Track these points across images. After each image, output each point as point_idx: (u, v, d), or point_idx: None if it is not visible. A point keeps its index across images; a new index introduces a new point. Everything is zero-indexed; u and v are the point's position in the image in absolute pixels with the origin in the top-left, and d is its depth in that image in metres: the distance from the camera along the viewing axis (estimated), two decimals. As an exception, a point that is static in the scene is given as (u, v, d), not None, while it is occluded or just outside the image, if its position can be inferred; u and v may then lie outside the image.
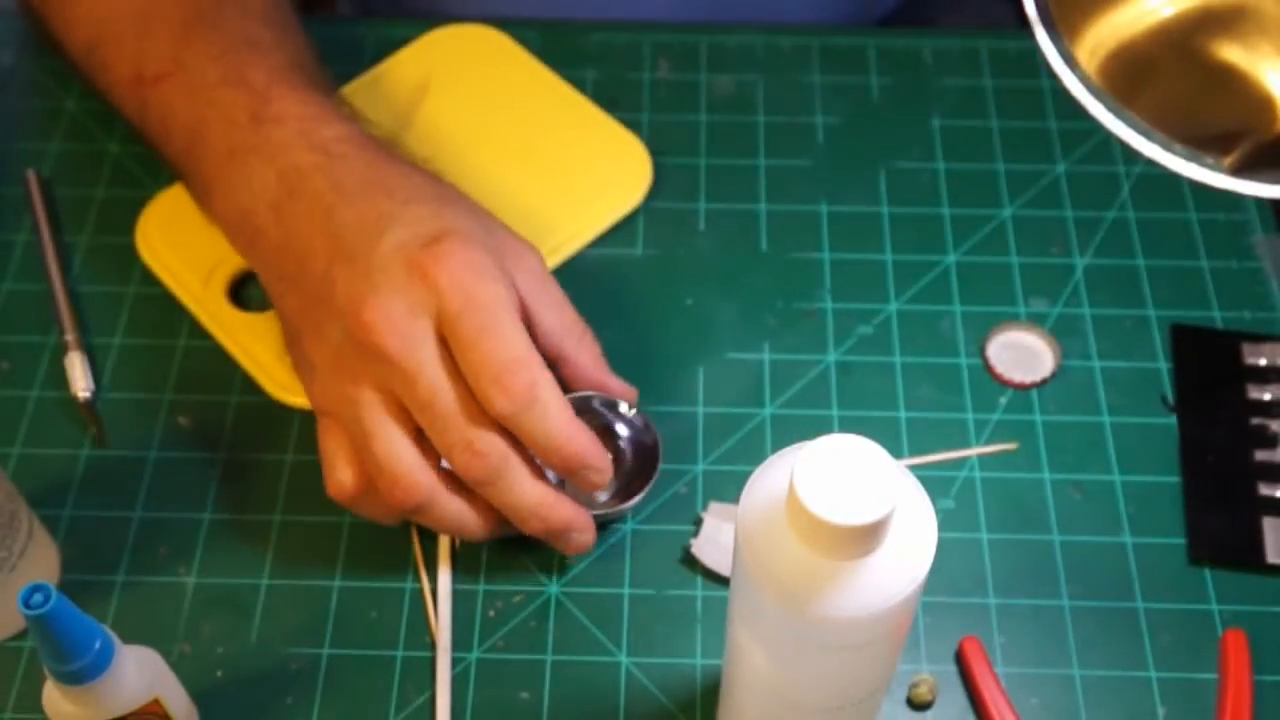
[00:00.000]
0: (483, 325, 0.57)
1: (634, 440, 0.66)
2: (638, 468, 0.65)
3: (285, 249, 0.62)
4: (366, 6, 0.94)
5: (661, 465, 0.65)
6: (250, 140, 0.64)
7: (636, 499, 0.63)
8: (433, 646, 0.62)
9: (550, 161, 0.76)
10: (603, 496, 0.64)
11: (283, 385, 0.68)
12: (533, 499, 0.59)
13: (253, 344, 0.69)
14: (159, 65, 0.68)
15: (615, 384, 0.65)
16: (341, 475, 0.60)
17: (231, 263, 0.71)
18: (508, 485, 0.58)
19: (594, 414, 0.65)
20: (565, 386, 0.62)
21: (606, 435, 0.65)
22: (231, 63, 0.66)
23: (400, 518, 0.62)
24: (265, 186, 0.63)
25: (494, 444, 0.58)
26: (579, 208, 0.75)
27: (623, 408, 0.65)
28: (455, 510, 0.60)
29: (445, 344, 0.58)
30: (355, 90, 0.79)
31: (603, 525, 0.64)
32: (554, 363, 0.62)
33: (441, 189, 0.63)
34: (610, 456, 0.61)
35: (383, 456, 0.58)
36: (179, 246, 0.72)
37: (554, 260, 0.73)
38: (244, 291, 0.72)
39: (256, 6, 0.71)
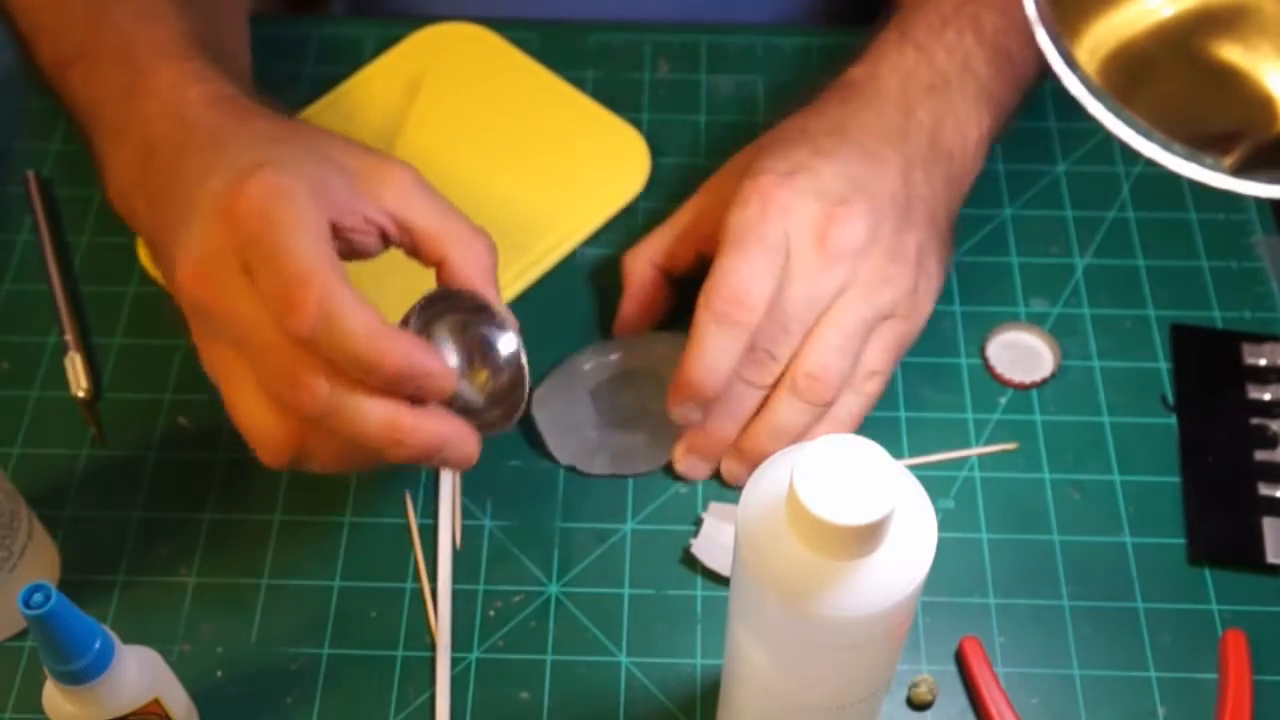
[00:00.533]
0: (272, 245, 0.53)
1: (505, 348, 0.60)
2: (512, 376, 0.59)
3: (152, 228, 0.60)
4: (360, 6, 0.94)
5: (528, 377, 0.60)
6: (123, 118, 0.62)
7: (519, 413, 0.58)
8: (432, 646, 0.62)
9: (546, 155, 0.77)
10: (478, 403, 0.58)
11: None
12: (380, 420, 0.54)
13: None
14: (68, 50, 0.67)
15: (495, 297, 0.59)
16: (260, 450, 0.56)
17: None
18: (348, 415, 0.53)
19: (459, 314, 0.59)
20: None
21: (480, 345, 0.59)
22: (124, 39, 0.65)
23: (337, 466, 0.57)
24: (131, 164, 0.61)
25: (318, 371, 0.53)
26: (578, 199, 0.75)
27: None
28: (339, 450, 0.56)
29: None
30: (346, 91, 0.79)
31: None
32: (439, 267, 0.59)
33: (285, 132, 0.59)
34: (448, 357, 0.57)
35: (239, 418, 0.55)
36: None
37: (557, 254, 0.73)
38: None
39: None
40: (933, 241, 0.66)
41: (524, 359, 0.59)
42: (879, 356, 0.65)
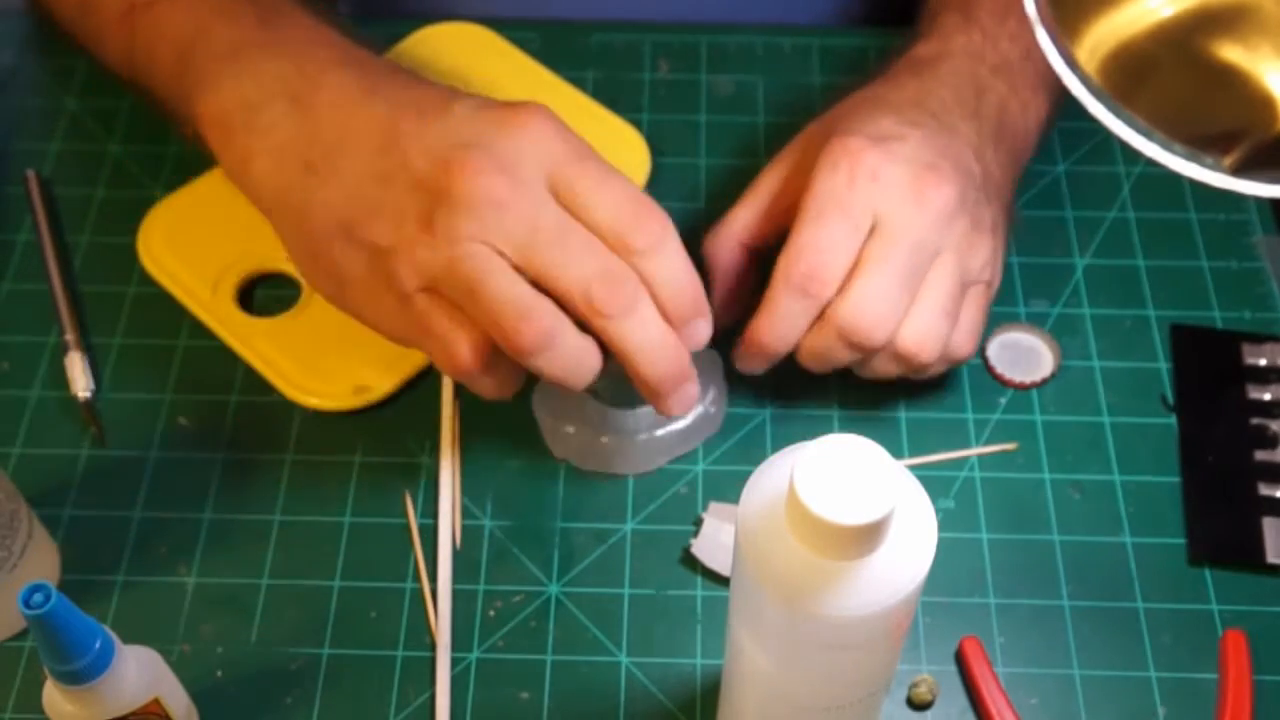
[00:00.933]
0: (602, 169, 0.58)
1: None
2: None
3: (312, 137, 0.60)
4: (365, 6, 0.94)
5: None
6: (259, 38, 0.63)
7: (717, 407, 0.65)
8: (433, 646, 0.62)
9: None
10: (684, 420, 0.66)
11: (300, 388, 0.68)
12: (662, 335, 0.58)
13: (267, 349, 0.69)
14: None
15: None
16: (459, 347, 0.58)
17: (238, 269, 0.71)
18: (641, 318, 0.58)
19: None
20: None
21: None
22: None
23: (519, 379, 0.61)
24: (279, 78, 0.61)
25: (629, 273, 0.57)
26: None
27: None
28: (577, 346, 0.58)
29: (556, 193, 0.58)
30: None
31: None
32: None
33: (443, 98, 0.61)
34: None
35: (501, 296, 0.56)
36: (183, 255, 0.72)
37: None
38: (252, 297, 0.72)
39: None
40: (1002, 216, 0.65)
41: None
42: (974, 321, 0.64)
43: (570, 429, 0.66)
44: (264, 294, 0.72)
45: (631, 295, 0.57)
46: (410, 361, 0.68)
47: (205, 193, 0.74)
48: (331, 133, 0.60)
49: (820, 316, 0.61)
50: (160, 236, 0.72)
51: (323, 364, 0.68)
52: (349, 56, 0.63)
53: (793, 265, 0.60)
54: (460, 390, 0.68)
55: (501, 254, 0.56)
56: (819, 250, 0.60)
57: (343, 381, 0.68)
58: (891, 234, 0.60)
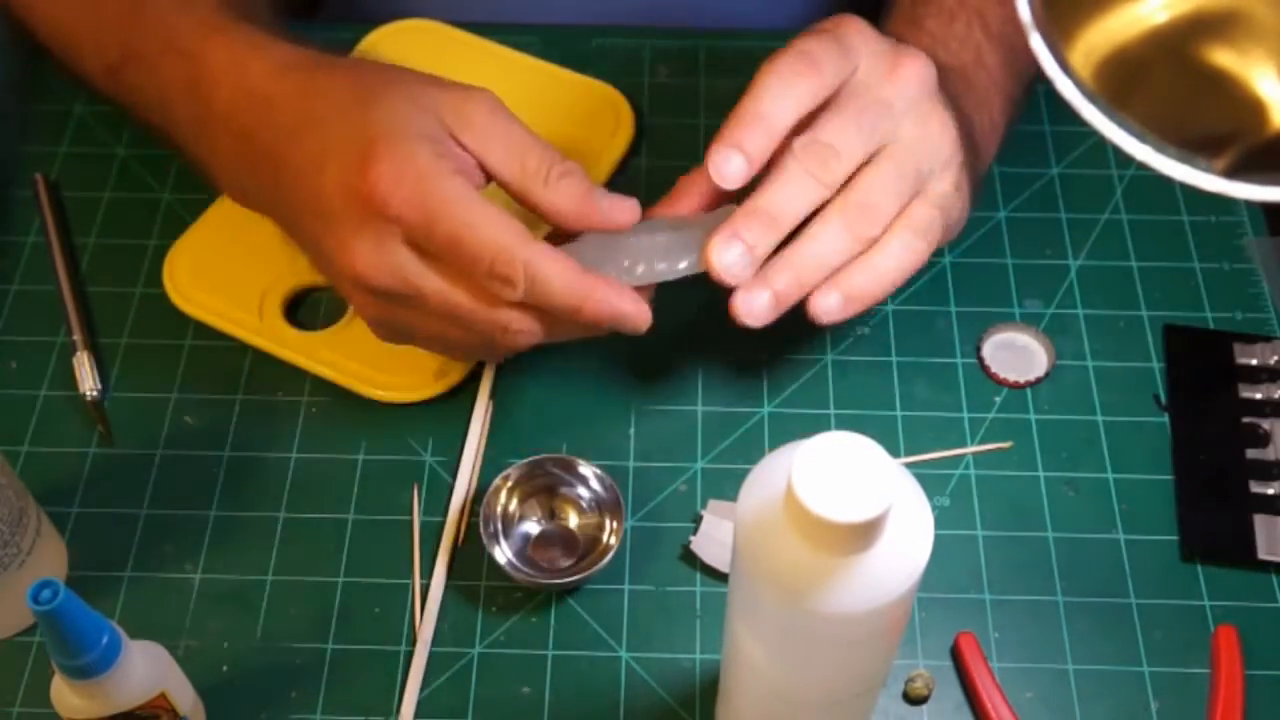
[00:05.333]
0: (452, 232, 0.56)
1: (595, 499, 0.65)
2: (599, 523, 0.65)
3: (273, 209, 0.64)
4: (350, 11, 0.94)
5: (628, 520, 0.65)
6: (198, 109, 0.64)
7: (606, 560, 0.63)
8: (413, 641, 0.62)
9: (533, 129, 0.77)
10: (565, 562, 0.64)
11: (381, 385, 0.68)
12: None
13: (334, 357, 0.69)
14: (114, 54, 0.68)
15: (599, 214, 0.61)
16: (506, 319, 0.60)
17: (278, 289, 0.71)
18: (554, 332, 0.60)
19: (547, 476, 0.65)
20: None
21: (564, 500, 0.65)
22: (166, 31, 0.66)
23: (528, 335, 0.61)
24: (229, 155, 0.63)
25: (525, 313, 0.59)
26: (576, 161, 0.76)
27: (581, 468, 0.65)
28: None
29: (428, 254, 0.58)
30: None
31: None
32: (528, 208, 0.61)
33: (365, 89, 0.60)
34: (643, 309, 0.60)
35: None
36: (217, 288, 0.71)
37: None
38: (297, 312, 0.72)
39: None
40: (965, 171, 0.64)
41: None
42: (925, 217, 0.62)
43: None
44: (313, 307, 0.73)
45: (531, 333, 0.60)
46: None
47: (219, 223, 0.74)
48: (278, 208, 0.63)
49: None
50: (186, 275, 0.72)
51: (392, 360, 0.69)
52: (267, 101, 0.62)
53: (803, 145, 0.60)
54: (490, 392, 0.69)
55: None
56: (830, 137, 0.60)
57: (419, 371, 0.69)
58: (853, 88, 0.61)
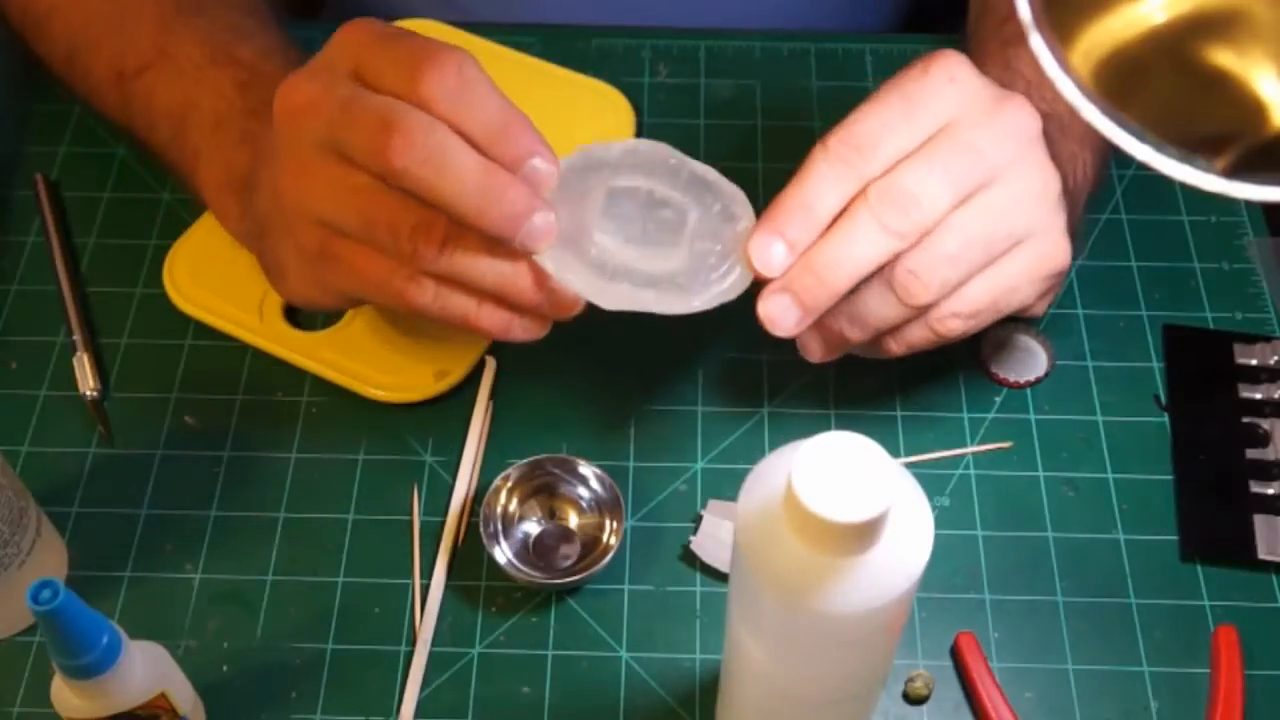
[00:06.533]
0: (394, 36, 0.56)
1: (595, 499, 0.65)
2: (599, 523, 0.65)
3: (250, 205, 0.64)
4: (357, 12, 0.94)
5: (628, 520, 0.65)
6: (239, 104, 0.65)
7: (606, 560, 0.63)
8: (413, 641, 0.62)
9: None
10: (565, 562, 0.64)
11: (381, 386, 0.68)
12: (476, 166, 0.54)
13: (335, 357, 0.69)
14: (140, 58, 0.69)
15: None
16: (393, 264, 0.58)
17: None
18: (444, 157, 0.54)
19: (547, 476, 0.65)
20: None
21: (564, 500, 0.65)
22: (218, 45, 0.68)
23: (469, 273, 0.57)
24: (251, 142, 0.64)
25: (417, 115, 0.54)
26: None
27: (581, 468, 0.65)
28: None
29: (362, 79, 0.56)
30: None
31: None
32: None
33: None
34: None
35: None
36: (216, 289, 0.71)
37: None
38: (299, 311, 0.72)
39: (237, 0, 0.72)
40: (1072, 221, 0.62)
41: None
42: (1008, 279, 0.59)
43: (579, 248, 0.59)
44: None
45: (425, 142, 0.53)
46: (480, 340, 0.69)
47: (216, 224, 0.74)
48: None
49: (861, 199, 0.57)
50: (186, 275, 0.72)
51: (394, 360, 0.69)
52: None
53: (832, 133, 0.57)
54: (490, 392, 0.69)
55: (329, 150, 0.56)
56: (862, 122, 0.57)
57: (419, 371, 0.69)
58: (953, 134, 0.56)
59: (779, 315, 0.58)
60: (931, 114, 0.57)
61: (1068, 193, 0.61)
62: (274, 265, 0.64)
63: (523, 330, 0.59)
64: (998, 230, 0.58)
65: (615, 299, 0.57)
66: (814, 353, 0.62)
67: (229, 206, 0.67)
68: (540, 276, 0.57)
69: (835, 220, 0.57)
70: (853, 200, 0.57)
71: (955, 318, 0.60)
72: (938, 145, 0.56)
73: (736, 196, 0.60)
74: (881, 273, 0.58)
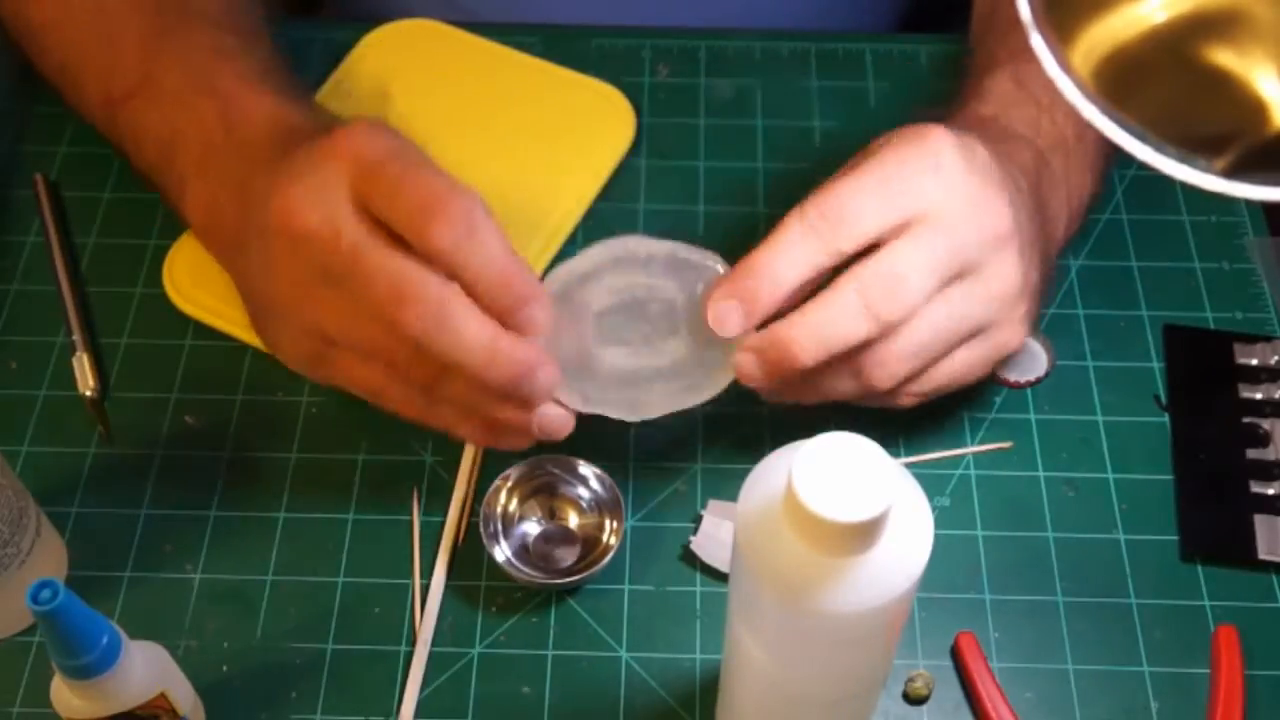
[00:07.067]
0: (402, 170, 0.55)
1: (595, 499, 0.65)
2: (599, 523, 0.65)
3: (236, 236, 0.63)
4: (348, 12, 0.94)
5: (629, 521, 0.65)
6: (221, 138, 0.64)
7: (606, 560, 0.63)
8: (413, 641, 0.62)
9: (531, 128, 0.78)
10: (565, 562, 0.64)
11: None
12: (485, 334, 0.55)
13: None
14: (126, 83, 0.69)
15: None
16: (373, 392, 0.60)
17: None
18: (454, 324, 0.55)
19: (547, 476, 0.66)
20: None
21: (564, 500, 0.66)
22: (200, 71, 0.67)
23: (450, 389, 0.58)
24: (226, 178, 0.64)
25: (428, 282, 0.55)
26: (576, 162, 0.76)
27: (581, 468, 0.65)
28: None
29: (366, 213, 0.56)
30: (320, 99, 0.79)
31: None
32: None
33: None
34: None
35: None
36: (217, 288, 0.70)
37: (572, 220, 0.75)
38: None
39: (222, 16, 0.71)
40: (1043, 284, 0.63)
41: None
42: (964, 365, 0.61)
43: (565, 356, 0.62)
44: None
45: (431, 308, 0.55)
46: None
47: None
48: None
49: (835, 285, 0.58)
50: (186, 275, 0.72)
51: None
52: (286, 141, 0.62)
53: (810, 201, 0.57)
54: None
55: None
56: (842, 195, 0.57)
57: None
58: (937, 225, 0.57)
59: (746, 372, 0.60)
60: (913, 198, 0.57)
61: (1072, 218, 0.64)
62: (265, 335, 0.64)
63: (509, 444, 0.61)
64: (964, 325, 0.59)
65: (649, 408, 0.61)
66: (762, 393, 0.63)
67: (213, 248, 0.66)
68: (530, 405, 0.59)
69: (806, 291, 0.58)
70: (835, 275, 0.58)
71: (909, 395, 0.62)
72: (923, 235, 0.57)
73: (710, 267, 0.62)
74: (847, 355, 0.58)
